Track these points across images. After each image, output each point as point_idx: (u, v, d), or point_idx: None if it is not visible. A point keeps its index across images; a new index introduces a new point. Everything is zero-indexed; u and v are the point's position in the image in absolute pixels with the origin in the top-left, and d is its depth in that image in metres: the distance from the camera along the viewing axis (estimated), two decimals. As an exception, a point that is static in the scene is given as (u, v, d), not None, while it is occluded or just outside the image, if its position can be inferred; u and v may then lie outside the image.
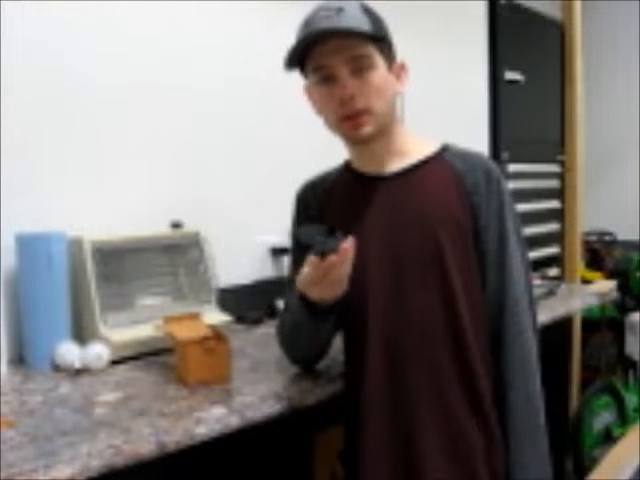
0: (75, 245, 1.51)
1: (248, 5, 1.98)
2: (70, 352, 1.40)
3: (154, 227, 1.68)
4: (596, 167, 3.76)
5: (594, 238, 3.67)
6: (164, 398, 1.21)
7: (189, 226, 1.74)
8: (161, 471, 1.09)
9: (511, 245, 1.16)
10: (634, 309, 3.37)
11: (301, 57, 1.14)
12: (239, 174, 1.99)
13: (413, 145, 1.21)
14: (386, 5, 2.16)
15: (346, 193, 1.23)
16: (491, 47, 2.99)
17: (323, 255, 1.04)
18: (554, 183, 3.34)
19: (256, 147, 2.02)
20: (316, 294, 1.10)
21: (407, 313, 1.14)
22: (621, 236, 3.70)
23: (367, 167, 1.22)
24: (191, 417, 1.10)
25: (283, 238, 2.05)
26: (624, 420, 3.00)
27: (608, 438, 2.87)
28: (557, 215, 3.33)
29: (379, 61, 1.12)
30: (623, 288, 3.27)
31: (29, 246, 1.44)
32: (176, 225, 1.73)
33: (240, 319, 1.81)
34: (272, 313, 1.91)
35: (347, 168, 1.27)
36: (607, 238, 3.68)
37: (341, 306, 1.15)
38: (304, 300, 1.13)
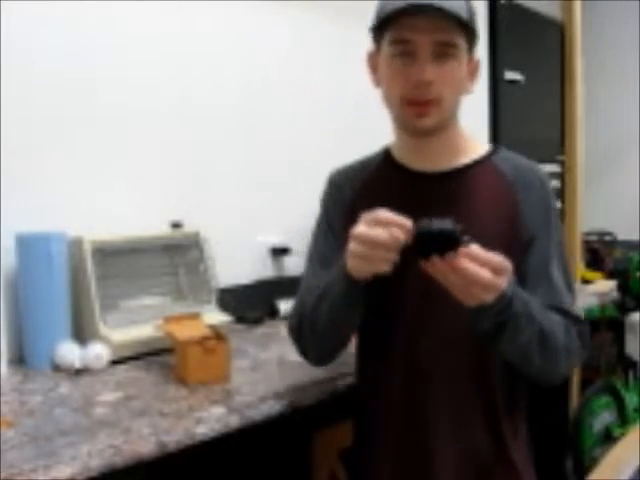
0: (75, 245, 1.51)
1: (249, 5, 1.98)
2: (70, 352, 1.40)
3: (154, 227, 1.68)
4: (596, 167, 3.76)
5: (594, 238, 3.66)
6: (164, 398, 1.21)
7: (189, 226, 1.74)
8: (161, 471, 1.09)
9: (555, 260, 1.09)
10: (634, 309, 3.36)
11: (384, 23, 1.04)
12: (239, 174, 1.98)
13: (465, 144, 1.14)
14: (386, 5, 2.17)
15: (386, 186, 1.15)
16: (491, 47, 2.98)
17: (446, 249, 0.87)
18: (554, 183, 3.34)
19: (256, 147, 2.02)
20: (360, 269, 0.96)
21: (434, 327, 1.07)
22: (621, 236, 3.70)
23: (415, 162, 1.13)
24: (191, 417, 1.10)
25: (283, 238, 2.06)
26: (624, 420, 2.99)
27: (608, 438, 2.86)
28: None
29: (463, 53, 1.05)
30: (623, 288, 3.27)
31: (29, 246, 1.44)
32: (176, 225, 1.73)
33: (240, 319, 1.81)
34: (272, 313, 1.92)
35: (388, 159, 1.18)
36: (607, 238, 3.68)
37: (369, 305, 1.06)
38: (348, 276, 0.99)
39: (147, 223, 1.68)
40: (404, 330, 1.09)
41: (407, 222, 0.90)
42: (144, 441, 1.00)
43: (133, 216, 1.69)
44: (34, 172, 1.54)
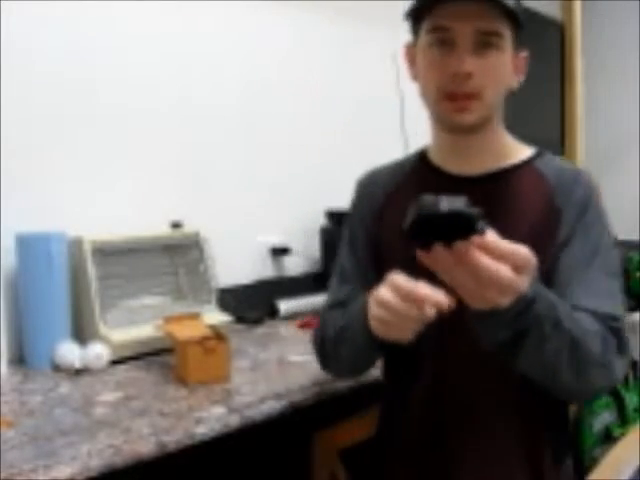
0: (75, 245, 1.51)
1: (248, 5, 1.98)
2: (70, 352, 1.40)
3: (154, 227, 1.68)
4: (596, 167, 3.75)
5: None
6: (164, 398, 1.21)
7: (189, 226, 1.74)
8: (161, 471, 1.09)
9: (597, 264, 0.96)
10: (634, 309, 3.36)
11: (421, 11, 0.96)
12: (239, 174, 1.98)
13: (507, 146, 1.06)
14: (387, 5, 2.17)
15: (419, 191, 0.98)
16: (491, 47, 2.98)
17: (455, 236, 0.68)
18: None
19: (256, 147, 2.02)
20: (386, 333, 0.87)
21: (465, 346, 0.96)
22: (621, 236, 3.69)
23: (453, 163, 1.04)
24: (191, 417, 1.10)
25: (283, 238, 2.06)
26: (624, 420, 2.99)
27: (608, 438, 2.86)
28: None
29: (508, 44, 0.96)
30: (623, 288, 3.26)
31: (29, 246, 1.44)
32: (176, 225, 1.73)
33: (240, 319, 1.81)
34: (272, 313, 1.92)
35: (423, 160, 1.09)
36: (607, 238, 3.68)
37: None
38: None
39: (147, 223, 1.68)
40: (436, 346, 1.00)
41: (438, 296, 0.76)
42: (144, 441, 1.00)
43: (133, 216, 1.69)
44: (34, 172, 1.54)
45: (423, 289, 0.78)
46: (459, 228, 0.67)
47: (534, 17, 3.26)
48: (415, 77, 1.03)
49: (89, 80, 1.64)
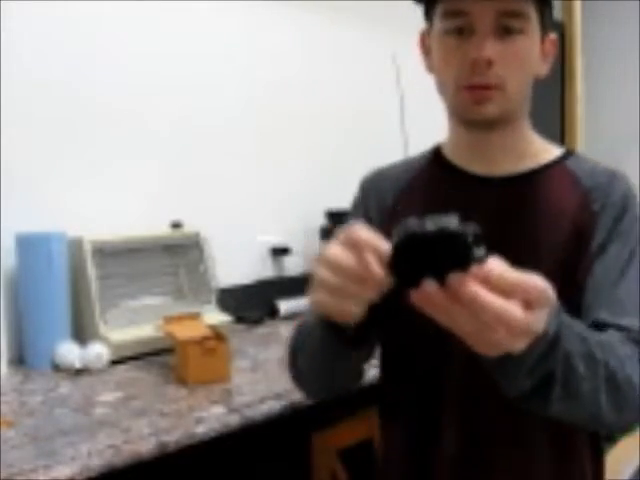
0: (75, 245, 1.51)
1: (250, 4, 1.98)
2: (70, 352, 1.40)
3: (154, 227, 1.68)
4: (596, 167, 3.75)
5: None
6: (164, 398, 1.21)
7: (189, 226, 1.74)
8: (161, 471, 1.09)
9: (632, 275, 0.85)
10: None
11: None
12: (240, 174, 1.99)
13: (534, 145, 0.95)
14: (387, 6, 2.17)
15: (435, 191, 0.95)
16: (491, 47, 2.99)
17: (449, 266, 0.53)
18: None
19: (257, 147, 2.02)
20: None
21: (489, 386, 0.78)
22: (621, 236, 3.70)
23: (471, 162, 0.93)
24: (191, 417, 1.10)
25: (283, 238, 2.06)
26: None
27: (608, 438, 2.86)
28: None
29: (534, 27, 0.85)
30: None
31: (29, 246, 1.44)
32: (176, 225, 1.73)
33: (240, 319, 1.81)
34: (272, 313, 1.92)
35: (438, 158, 0.98)
36: (607, 238, 3.68)
37: (408, 346, 0.88)
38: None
39: (147, 223, 1.68)
40: (459, 375, 0.86)
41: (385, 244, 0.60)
42: (144, 441, 1.00)
43: (133, 216, 1.69)
44: (34, 172, 1.54)
45: (366, 232, 0.62)
46: (452, 255, 0.52)
47: (534, 17, 3.26)
48: (431, 68, 0.92)
49: (89, 81, 1.64)
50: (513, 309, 0.55)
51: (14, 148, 1.49)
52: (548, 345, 0.64)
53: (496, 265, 0.55)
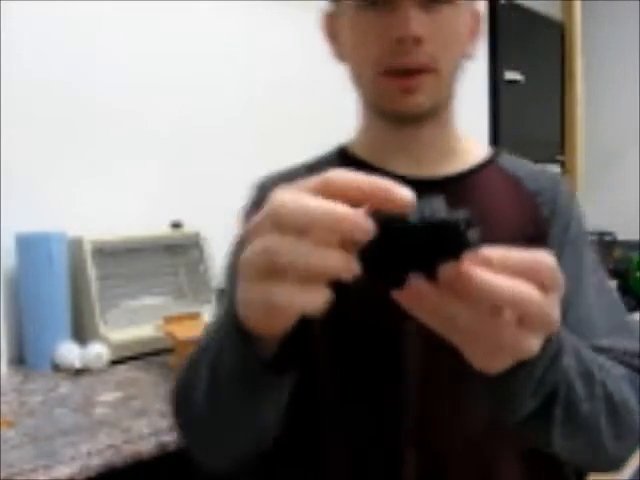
0: (75, 245, 1.51)
1: (250, 4, 1.98)
2: (70, 352, 1.40)
3: (154, 227, 1.68)
4: (596, 167, 3.76)
5: (594, 238, 3.66)
6: (164, 398, 1.20)
7: (189, 226, 1.74)
8: (161, 471, 1.09)
9: (591, 290, 0.76)
10: (634, 309, 3.36)
11: None
12: (240, 174, 1.98)
13: (461, 142, 0.81)
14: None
15: None
16: (491, 47, 2.98)
17: (440, 256, 0.42)
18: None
19: (257, 147, 2.02)
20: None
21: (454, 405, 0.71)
22: (621, 236, 3.70)
23: (391, 161, 0.77)
24: (191, 417, 1.10)
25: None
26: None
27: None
28: (557, 215, 3.33)
29: None
30: (623, 288, 3.27)
31: (29, 246, 1.44)
32: (176, 225, 1.73)
33: (240, 319, 1.81)
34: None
35: (348, 159, 0.82)
36: (607, 238, 3.68)
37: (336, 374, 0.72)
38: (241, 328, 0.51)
39: (147, 223, 1.68)
40: (419, 411, 0.71)
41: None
42: (144, 441, 1.00)
43: (133, 216, 1.69)
44: (34, 172, 1.54)
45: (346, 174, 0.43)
46: (443, 246, 0.42)
47: (534, 17, 3.26)
48: (340, 56, 0.79)
49: (89, 81, 1.64)
50: (529, 289, 0.43)
51: (14, 148, 1.49)
52: (554, 351, 0.52)
53: (493, 249, 0.43)
